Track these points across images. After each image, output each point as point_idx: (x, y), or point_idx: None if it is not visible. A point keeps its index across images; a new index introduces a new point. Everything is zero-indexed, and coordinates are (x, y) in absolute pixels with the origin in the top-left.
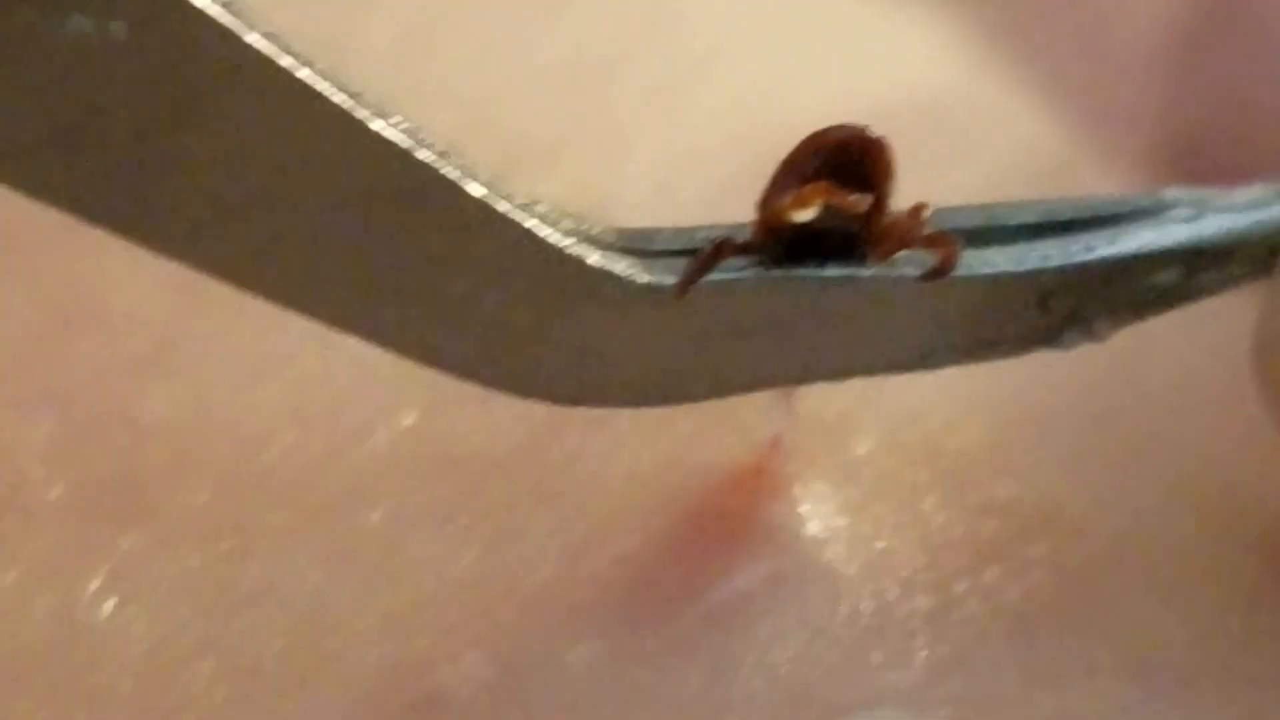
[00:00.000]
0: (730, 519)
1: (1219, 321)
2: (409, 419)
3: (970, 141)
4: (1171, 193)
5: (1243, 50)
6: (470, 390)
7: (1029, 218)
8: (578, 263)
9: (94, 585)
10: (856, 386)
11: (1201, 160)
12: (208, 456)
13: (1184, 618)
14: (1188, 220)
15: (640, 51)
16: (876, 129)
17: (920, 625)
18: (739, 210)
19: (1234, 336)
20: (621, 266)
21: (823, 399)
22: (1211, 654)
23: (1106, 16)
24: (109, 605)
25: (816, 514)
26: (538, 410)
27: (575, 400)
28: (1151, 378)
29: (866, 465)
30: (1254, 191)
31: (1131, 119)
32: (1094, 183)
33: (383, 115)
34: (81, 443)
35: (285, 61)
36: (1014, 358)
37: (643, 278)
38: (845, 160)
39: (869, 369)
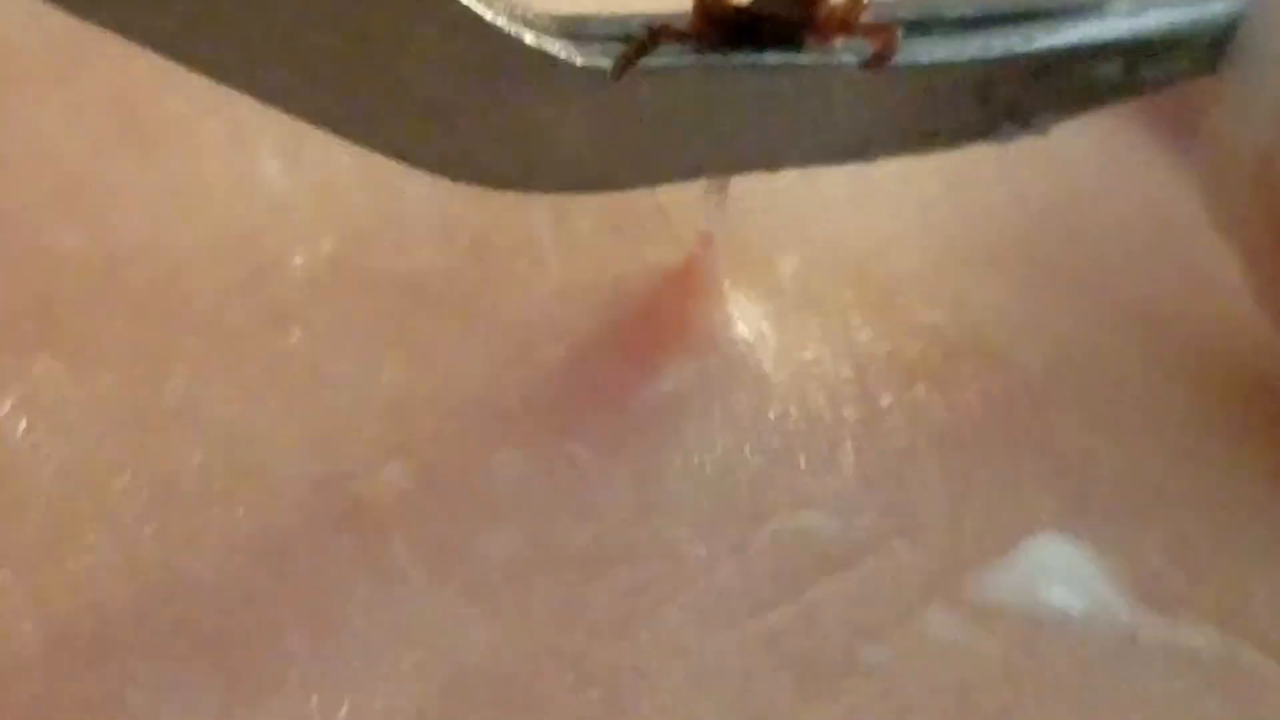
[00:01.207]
0: (657, 320)
1: (1140, 166)
2: (327, 246)
3: None
4: None
5: None
6: (387, 218)
7: (969, 10)
8: (515, 42)
9: (5, 409)
10: (779, 209)
11: None
12: (122, 285)
13: (1114, 441)
14: (1129, 14)
15: None
16: None
17: (847, 434)
18: None
19: (1155, 181)
20: (557, 48)
21: (745, 219)
22: (1143, 476)
23: None
24: (20, 426)
25: (744, 318)
26: (459, 236)
27: (508, 184)
28: (1074, 218)
29: (792, 283)
30: None
31: None
32: None
33: None
34: None
35: None
36: (952, 149)
37: (578, 60)
38: None
39: (805, 159)
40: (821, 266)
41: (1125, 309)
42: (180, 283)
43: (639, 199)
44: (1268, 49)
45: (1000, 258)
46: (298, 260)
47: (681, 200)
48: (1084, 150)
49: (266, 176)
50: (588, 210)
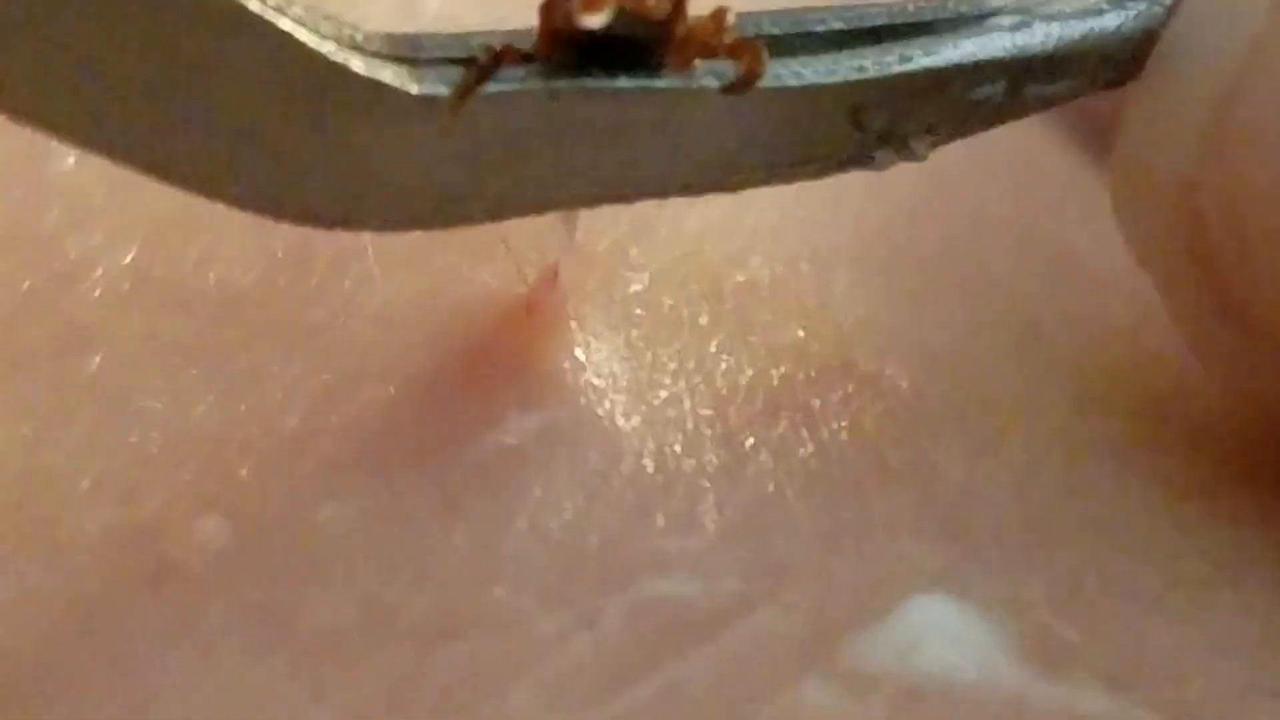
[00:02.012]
0: (498, 362)
1: (1013, 145)
2: (128, 254)
3: None
4: None
5: None
6: (197, 222)
7: (839, 24)
8: (341, 70)
9: None
10: (628, 217)
11: None
12: None
13: (994, 471)
14: (1013, 29)
15: None
16: None
17: (708, 484)
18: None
19: (1030, 162)
20: (389, 75)
21: (592, 231)
22: (1028, 511)
23: None
24: None
25: (593, 358)
26: (275, 244)
27: (339, 223)
28: (942, 210)
29: (644, 304)
30: None
31: None
32: None
33: None
34: None
35: None
36: (823, 178)
37: (414, 88)
38: None
39: (662, 189)
40: (674, 282)
41: (999, 314)
42: None
43: None
44: (1190, 67)
45: (864, 259)
46: (98, 271)
47: (527, 225)
48: None
49: (63, 171)
50: None
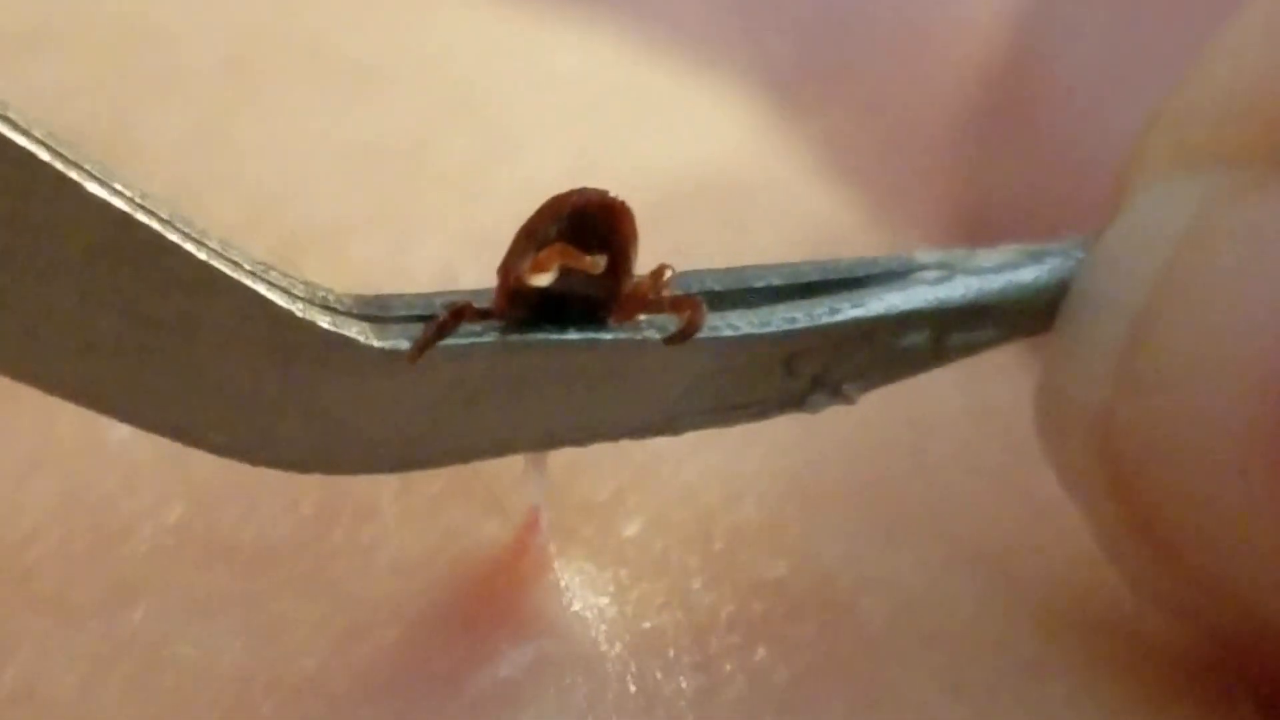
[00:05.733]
0: (493, 602)
1: (992, 392)
2: (174, 514)
3: (764, 215)
4: (920, 254)
5: (1023, 139)
6: (237, 484)
7: (774, 279)
8: (310, 327)
9: None
10: (630, 466)
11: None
12: None
13: (960, 695)
14: (936, 282)
15: (438, 135)
16: (619, 194)
17: (686, 707)
18: None
19: (1007, 407)
20: (355, 331)
21: (595, 480)
22: None
23: (895, 102)
24: None
25: (580, 595)
26: (305, 502)
27: (309, 468)
28: (924, 451)
29: (635, 546)
30: (1004, 253)
31: (918, 198)
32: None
33: (104, 179)
34: None
35: None
36: (761, 421)
37: (377, 343)
38: (584, 225)
39: (613, 433)
40: (667, 526)
41: (972, 547)
42: (25, 557)
43: (478, 467)
44: (1103, 307)
45: (849, 502)
46: (145, 530)
47: (512, 474)
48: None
49: (115, 443)
50: (434, 474)
